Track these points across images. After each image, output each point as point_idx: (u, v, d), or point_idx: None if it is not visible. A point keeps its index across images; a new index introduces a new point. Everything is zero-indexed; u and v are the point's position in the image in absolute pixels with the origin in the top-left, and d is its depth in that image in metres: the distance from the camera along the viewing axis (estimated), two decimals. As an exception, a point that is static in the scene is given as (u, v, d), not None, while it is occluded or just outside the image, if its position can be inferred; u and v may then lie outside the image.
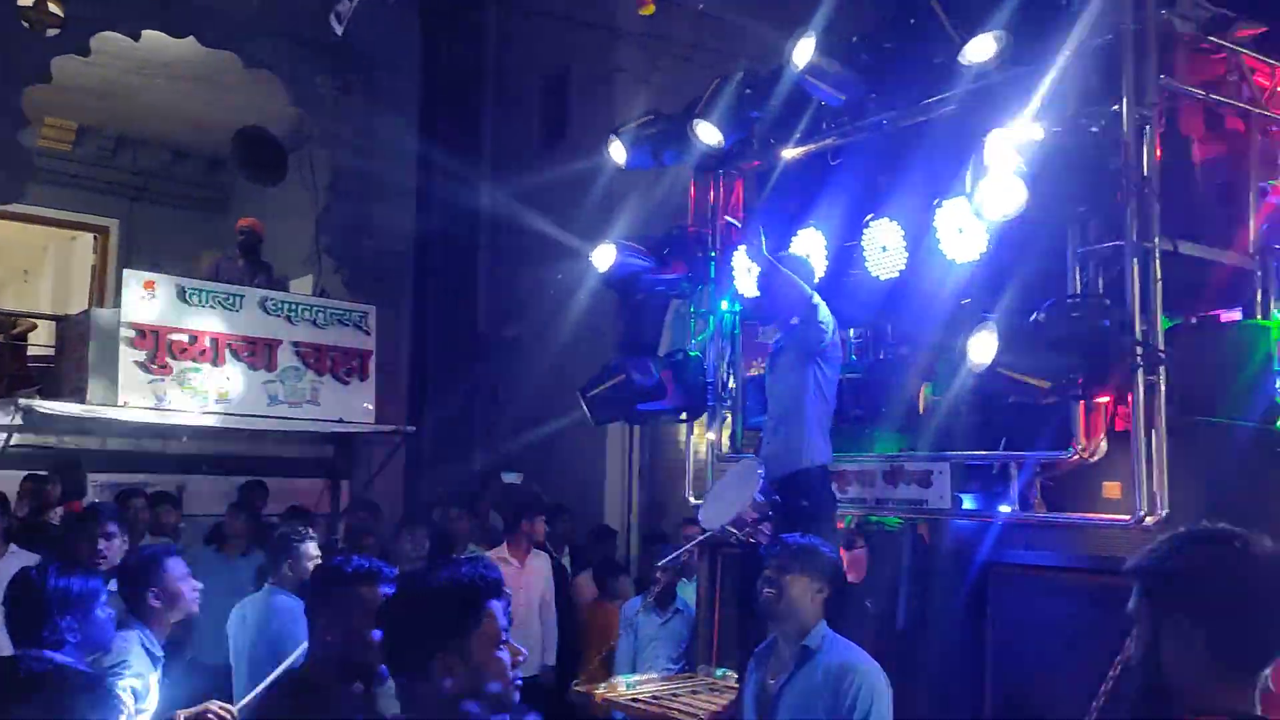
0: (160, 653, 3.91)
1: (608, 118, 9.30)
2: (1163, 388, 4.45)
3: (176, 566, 4.01)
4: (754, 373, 6.48)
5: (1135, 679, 1.88)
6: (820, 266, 5.63)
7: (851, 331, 6.29)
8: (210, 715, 3.40)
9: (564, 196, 11.47)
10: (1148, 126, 4.49)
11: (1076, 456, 4.63)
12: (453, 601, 2.03)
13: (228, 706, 3.44)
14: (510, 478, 11.09)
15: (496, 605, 2.09)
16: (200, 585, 4.15)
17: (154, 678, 3.80)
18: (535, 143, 12.86)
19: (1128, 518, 4.45)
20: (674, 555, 6.74)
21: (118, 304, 9.59)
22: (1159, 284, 4.51)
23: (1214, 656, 1.76)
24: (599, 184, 10.60)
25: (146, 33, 11.05)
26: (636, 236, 6.87)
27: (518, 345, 12.11)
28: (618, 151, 6.36)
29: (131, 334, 9.23)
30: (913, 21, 5.06)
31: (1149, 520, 4.40)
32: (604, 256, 6.25)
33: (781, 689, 3.64)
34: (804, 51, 5.19)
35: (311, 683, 2.70)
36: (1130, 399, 4.44)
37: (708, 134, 5.84)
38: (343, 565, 2.83)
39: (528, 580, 7.46)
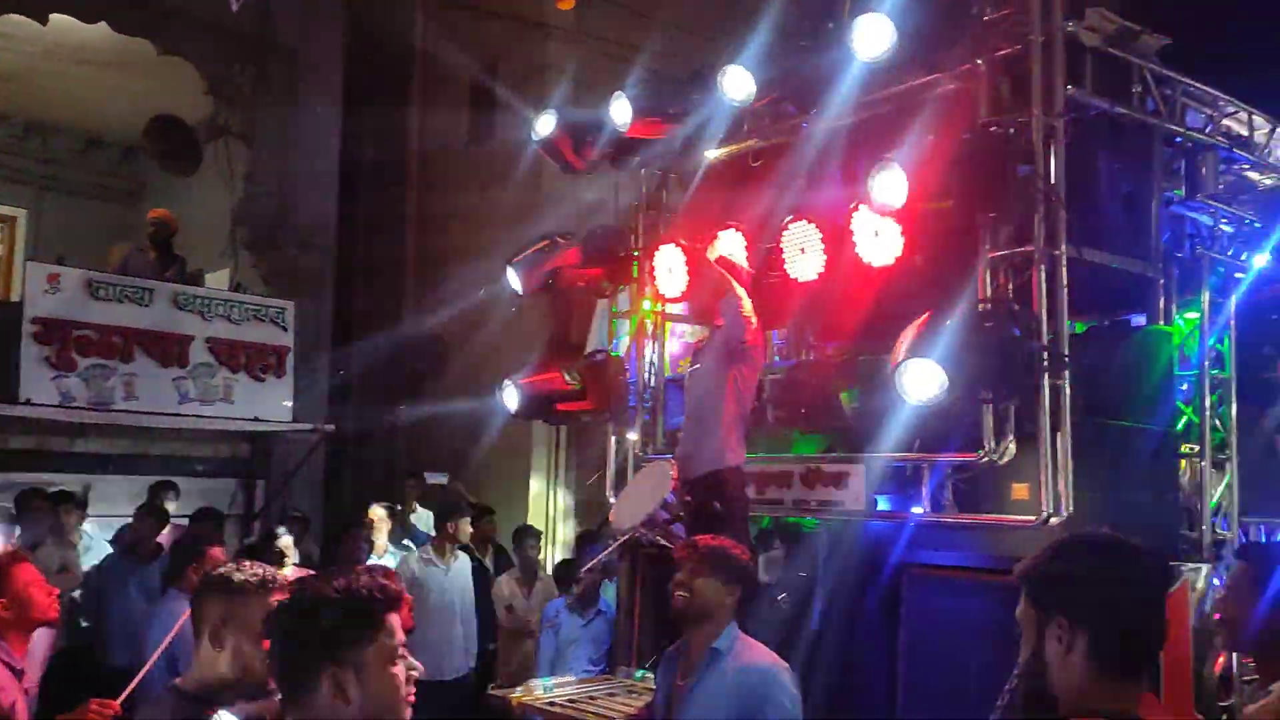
0: (21, 665, 3.73)
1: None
2: (1068, 391, 4.55)
3: (25, 572, 3.81)
4: (681, 371, 6.48)
5: (1021, 681, 1.92)
6: (742, 267, 5.66)
7: (774, 332, 6.34)
8: (91, 715, 3.26)
9: (492, 192, 11.37)
10: (1055, 135, 4.58)
11: (986, 459, 4.71)
12: (347, 612, 1.96)
13: (107, 702, 3.30)
14: (435, 478, 10.96)
15: (394, 619, 2.03)
16: (58, 590, 3.98)
17: (18, 691, 3.63)
18: (463, 138, 12.74)
19: (1033, 518, 4.54)
20: (599, 557, 6.72)
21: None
22: (1065, 290, 4.61)
23: (1093, 659, 1.79)
24: (527, 180, 10.53)
25: (55, 16, 10.70)
26: (562, 232, 6.84)
27: (443, 343, 11.98)
28: (544, 124, 6.28)
29: (35, 328, 8.93)
30: (831, 26, 5.11)
31: (1054, 521, 4.50)
32: (514, 279, 6.26)
33: (691, 691, 3.64)
34: (739, 84, 5.22)
35: (194, 696, 2.59)
36: (1037, 402, 4.53)
37: (620, 112, 5.82)
38: (231, 573, 2.72)
39: (452, 582, 7.38)
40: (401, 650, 2.03)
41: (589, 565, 6.86)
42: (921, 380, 4.29)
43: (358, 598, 1.99)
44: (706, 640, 3.67)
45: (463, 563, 7.59)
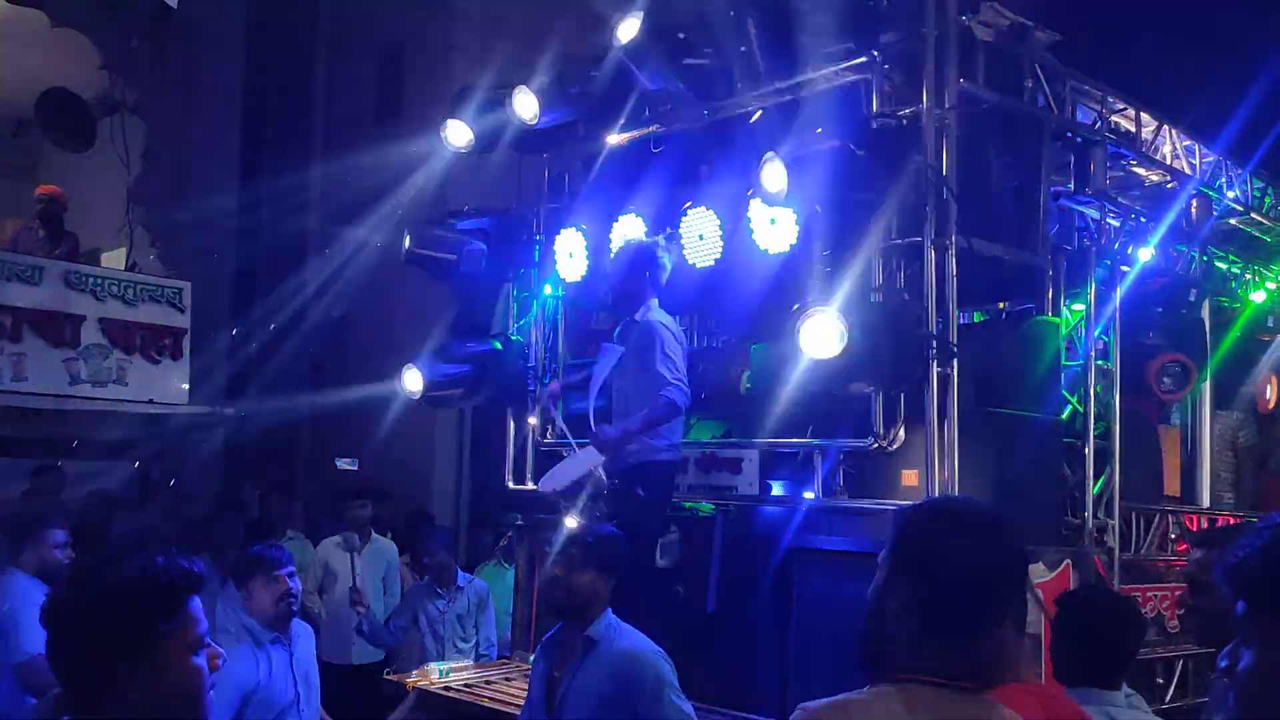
0: None
1: (444, 96, 9.16)
2: (955, 379, 4.64)
3: None
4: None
5: (864, 634, 1.94)
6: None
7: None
8: None
9: (397, 174, 11.21)
10: (947, 128, 4.66)
11: (876, 445, 4.79)
12: (145, 599, 1.83)
13: None
14: (345, 464, 10.77)
15: (197, 604, 1.91)
16: None
17: None
18: (368, 119, 12.53)
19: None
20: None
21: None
22: (954, 280, 4.70)
23: (923, 620, 1.83)
24: (434, 162, 10.39)
25: (-58, -15, 10.23)
26: (466, 210, 6.79)
27: (346, 325, 11.80)
28: (457, 134, 6.23)
29: (-83, 306, 8.59)
30: (732, 14, 5.13)
31: (940, 506, 4.59)
32: (412, 245, 6.22)
33: (568, 680, 3.62)
34: (628, 31, 5.23)
35: None
36: (926, 390, 4.61)
37: (524, 106, 5.80)
38: None
39: (363, 568, 7.24)
40: (205, 639, 1.92)
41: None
42: (822, 335, 4.30)
43: (154, 584, 1.86)
44: (581, 630, 3.66)
45: (378, 548, 7.46)
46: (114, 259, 11.25)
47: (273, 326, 11.58)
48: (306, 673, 4.40)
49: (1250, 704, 1.60)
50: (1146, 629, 3.69)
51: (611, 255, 5.63)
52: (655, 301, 5.18)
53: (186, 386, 9.97)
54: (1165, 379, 6.04)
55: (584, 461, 5.09)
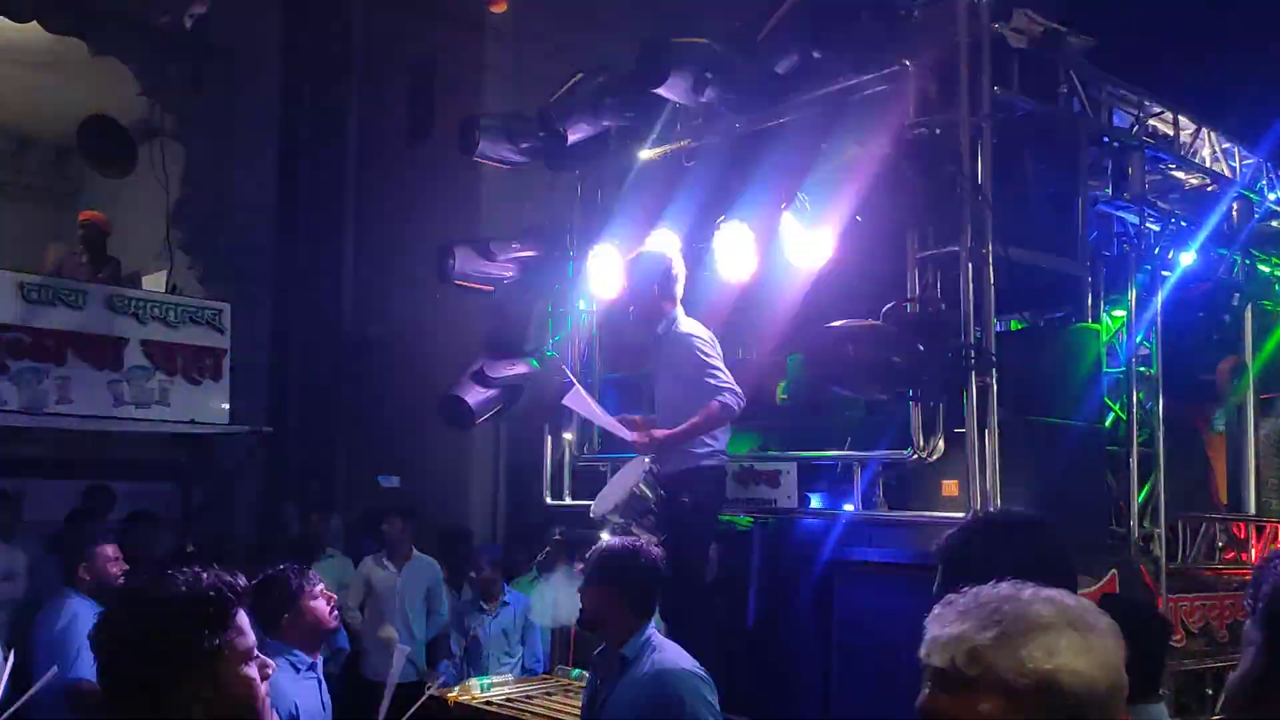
0: None
1: (477, 113, 9.24)
2: (995, 389, 4.59)
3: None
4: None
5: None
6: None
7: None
8: None
9: (431, 193, 11.30)
10: (982, 136, 4.63)
11: (915, 456, 4.76)
12: (197, 613, 1.85)
13: None
14: (389, 481, 10.82)
15: (244, 616, 1.93)
16: None
17: None
18: (401, 139, 12.63)
19: (963, 515, 4.58)
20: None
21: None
22: (992, 288, 4.66)
23: None
24: (466, 181, 10.48)
25: (-15, 17, 10.45)
26: (499, 234, 6.84)
27: (382, 344, 11.89)
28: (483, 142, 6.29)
29: (-36, 332, 8.73)
30: (764, 27, 5.13)
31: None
32: (452, 266, 6.25)
33: (607, 697, 3.60)
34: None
35: None
36: (965, 401, 4.58)
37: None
38: None
39: (403, 585, 7.27)
40: (254, 649, 1.95)
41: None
42: None
43: (204, 598, 1.88)
44: (615, 647, 3.62)
45: (419, 565, 7.48)
46: (155, 281, 11.39)
47: (312, 345, 11.67)
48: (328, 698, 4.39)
49: (1235, 707, 1.60)
50: (1170, 634, 3.61)
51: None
52: (680, 312, 5.16)
53: (227, 406, 10.08)
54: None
55: (629, 476, 5.10)
